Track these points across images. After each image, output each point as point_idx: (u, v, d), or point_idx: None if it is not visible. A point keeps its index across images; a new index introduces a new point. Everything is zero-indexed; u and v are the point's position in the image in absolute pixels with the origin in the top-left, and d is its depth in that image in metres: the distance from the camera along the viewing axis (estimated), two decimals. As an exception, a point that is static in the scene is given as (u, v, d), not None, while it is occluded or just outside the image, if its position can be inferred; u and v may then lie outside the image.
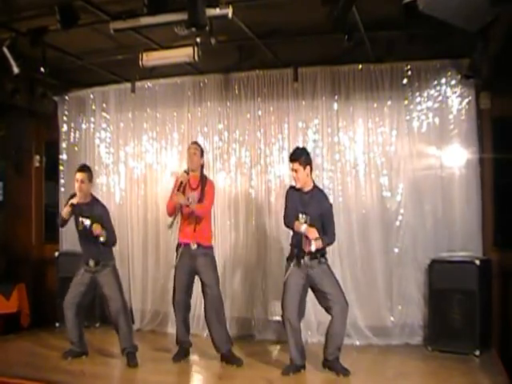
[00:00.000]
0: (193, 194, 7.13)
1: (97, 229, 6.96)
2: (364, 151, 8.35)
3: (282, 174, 8.63)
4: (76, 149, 9.87)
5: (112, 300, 7.14)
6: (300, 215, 6.49)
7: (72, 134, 9.90)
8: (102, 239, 7.01)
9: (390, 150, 8.24)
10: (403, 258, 8.09)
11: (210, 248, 7.32)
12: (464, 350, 7.28)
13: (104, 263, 7.19)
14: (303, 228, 6.42)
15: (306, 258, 6.55)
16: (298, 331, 6.67)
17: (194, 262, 7.12)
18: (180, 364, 7.12)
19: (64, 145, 9.91)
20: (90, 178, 7.33)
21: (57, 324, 9.04)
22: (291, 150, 6.91)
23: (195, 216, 7.08)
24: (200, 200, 7.10)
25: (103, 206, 7.41)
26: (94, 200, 7.36)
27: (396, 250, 8.12)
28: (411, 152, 8.17)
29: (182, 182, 7.08)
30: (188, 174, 7.15)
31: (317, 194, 6.72)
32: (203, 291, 7.17)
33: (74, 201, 7.08)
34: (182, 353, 7.27)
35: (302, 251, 6.52)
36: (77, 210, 7.14)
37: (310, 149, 8.12)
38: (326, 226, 6.60)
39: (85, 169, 7.37)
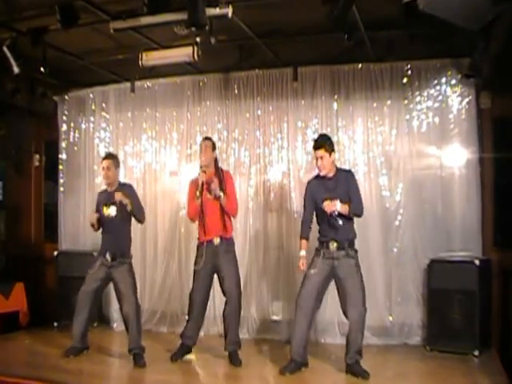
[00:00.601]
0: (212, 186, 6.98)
1: (118, 195, 7.02)
2: (363, 151, 8.34)
3: (281, 173, 8.62)
4: (76, 148, 9.86)
5: (126, 298, 7.11)
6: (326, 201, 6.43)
7: (72, 133, 9.89)
8: (128, 208, 7.05)
9: (389, 150, 8.24)
10: (402, 258, 8.08)
11: (232, 241, 7.26)
12: (463, 350, 7.27)
13: (121, 260, 7.17)
14: (338, 205, 6.34)
15: (332, 247, 6.48)
16: (308, 323, 6.60)
17: (216, 260, 7.05)
18: (178, 363, 7.09)
19: (64, 144, 9.90)
20: (117, 165, 7.37)
21: (55, 323, 9.06)
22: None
23: (217, 209, 7.05)
24: (222, 191, 7.01)
25: (130, 186, 7.47)
26: (121, 185, 7.38)
27: (395, 250, 8.11)
28: (411, 151, 8.16)
29: (203, 183, 6.96)
30: (205, 172, 7.00)
31: (341, 176, 6.64)
32: (223, 289, 7.14)
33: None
34: (182, 351, 7.21)
35: (327, 213, 6.43)
36: (102, 199, 7.21)
37: (309, 148, 8.17)
38: (351, 197, 6.50)
39: (110, 156, 7.43)
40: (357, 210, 6.53)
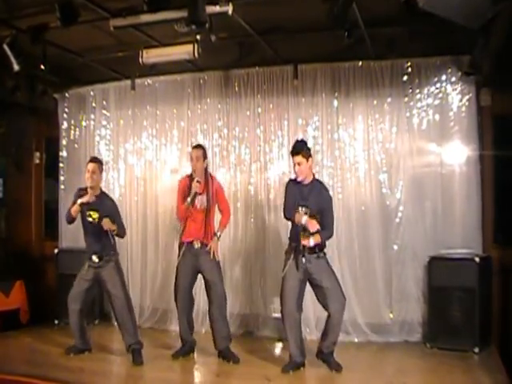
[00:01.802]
0: (199, 197, 7.15)
1: (106, 224, 7.02)
2: (364, 148, 8.34)
3: (282, 170, 8.62)
4: (76, 146, 9.86)
5: (115, 297, 7.14)
6: (300, 208, 6.44)
7: (72, 131, 9.89)
8: (114, 233, 7.11)
9: (389, 147, 8.24)
10: (402, 255, 8.08)
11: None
12: (463, 348, 7.28)
13: (107, 258, 7.18)
14: (304, 219, 6.37)
15: (305, 253, 6.50)
16: (297, 327, 6.67)
17: (197, 261, 7.15)
18: (178, 361, 7.11)
19: (64, 142, 9.91)
20: (101, 170, 7.37)
21: (56, 321, 9.07)
22: (292, 144, 6.88)
23: (202, 217, 7.16)
24: (208, 202, 7.16)
25: (112, 200, 7.49)
26: (103, 193, 7.40)
27: (395, 247, 8.12)
28: (411, 149, 8.16)
29: (196, 192, 7.07)
30: (199, 182, 7.06)
31: (316, 186, 6.68)
32: (207, 289, 7.21)
33: (84, 200, 7.06)
34: (184, 350, 7.26)
35: (301, 245, 6.47)
36: (85, 204, 7.15)
37: (309, 146, 8.14)
38: (324, 219, 6.51)
39: (96, 160, 7.43)
40: (329, 234, 6.60)
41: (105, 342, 7.99)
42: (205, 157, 7.28)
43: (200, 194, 7.13)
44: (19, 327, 8.88)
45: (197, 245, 7.14)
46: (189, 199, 7.05)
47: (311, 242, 6.40)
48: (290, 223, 6.77)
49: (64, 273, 9.13)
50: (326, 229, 6.52)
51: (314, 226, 6.38)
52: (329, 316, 6.57)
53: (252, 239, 8.72)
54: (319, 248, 6.58)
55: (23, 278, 9.21)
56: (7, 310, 8.80)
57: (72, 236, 9.64)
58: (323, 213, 6.52)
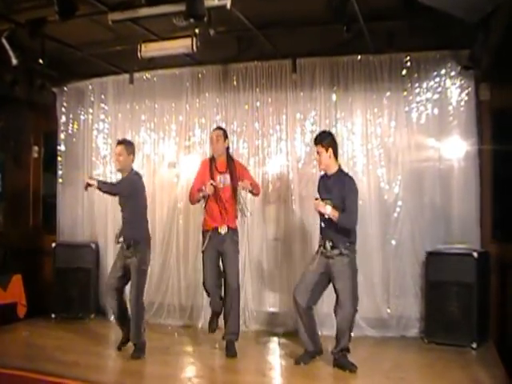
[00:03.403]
0: (221, 176, 7.22)
1: (87, 178, 7.05)
2: (362, 142, 8.32)
3: (280, 165, 8.61)
4: (74, 140, 9.86)
5: (131, 288, 7.08)
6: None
7: (70, 125, 9.88)
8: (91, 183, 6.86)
9: (388, 142, 8.22)
10: (400, 250, 8.07)
11: (237, 231, 7.40)
12: (461, 343, 7.28)
13: (135, 250, 7.07)
14: (328, 209, 6.34)
15: (328, 245, 6.49)
16: (307, 315, 6.66)
17: (221, 246, 7.16)
18: (174, 355, 7.13)
19: (62, 136, 9.89)
20: (130, 151, 7.27)
21: (53, 315, 9.09)
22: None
23: (226, 196, 7.20)
24: (232, 180, 7.21)
25: (135, 174, 7.34)
26: (131, 174, 7.31)
27: (393, 242, 8.11)
28: (410, 143, 8.14)
29: (208, 194, 7.10)
30: (214, 185, 7.09)
31: (340, 178, 6.61)
32: (225, 280, 7.22)
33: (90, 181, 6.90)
34: (214, 317, 7.35)
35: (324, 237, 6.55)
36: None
37: (307, 140, 8.19)
38: (345, 207, 6.41)
39: (122, 142, 7.37)
40: (344, 220, 6.40)
41: (100, 337, 8.02)
42: (225, 137, 7.36)
43: (221, 172, 7.23)
44: (16, 321, 8.89)
45: (223, 231, 7.18)
46: (201, 194, 7.16)
47: (328, 209, 6.34)
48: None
49: (62, 267, 9.16)
50: (346, 212, 6.40)
51: (335, 215, 6.34)
52: (336, 323, 6.58)
53: (250, 233, 8.68)
54: (343, 244, 6.48)
55: (21, 272, 9.20)
56: (4, 304, 8.79)
57: (70, 230, 9.66)
58: (345, 204, 6.43)
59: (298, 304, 6.61)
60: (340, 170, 6.68)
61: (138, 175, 7.31)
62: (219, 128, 7.58)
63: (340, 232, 6.43)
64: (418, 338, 7.78)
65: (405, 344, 7.63)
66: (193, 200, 7.35)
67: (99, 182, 6.94)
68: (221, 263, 7.25)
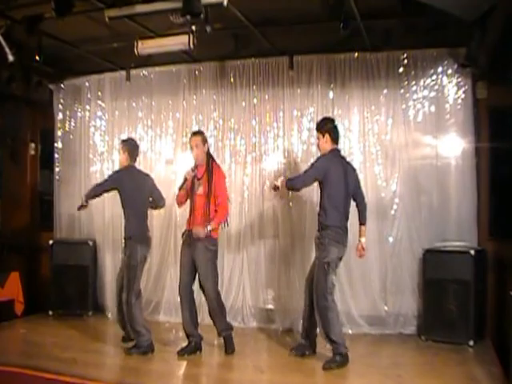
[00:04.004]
0: (197, 183, 7.04)
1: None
2: (359, 140, 8.34)
3: (277, 162, 8.62)
4: (71, 137, 9.85)
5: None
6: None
7: (67, 122, 9.88)
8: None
9: (385, 139, 8.24)
10: (398, 248, 8.09)
11: (216, 243, 7.08)
12: (458, 340, 7.30)
13: (126, 246, 7.22)
14: (279, 180, 6.75)
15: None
16: (304, 305, 6.84)
17: (194, 251, 6.93)
18: (173, 352, 7.03)
19: (59, 133, 9.90)
20: (124, 150, 7.39)
21: (50, 312, 9.10)
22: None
23: (202, 203, 6.96)
24: (209, 187, 6.93)
25: (119, 171, 7.50)
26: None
27: (391, 240, 8.12)
28: (407, 141, 8.15)
29: (186, 179, 7.00)
30: (194, 170, 6.97)
31: None
32: (202, 289, 7.04)
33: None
34: (190, 348, 7.03)
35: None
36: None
37: (304, 137, 8.23)
38: None
39: (122, 141, 7.60)
40: (288, 181, 6.74)
41: (98, 334, 8.03)
42: (204, 141, 7.13)
43: (199, 178, 7.02)
44: (14, 318, 8.88)
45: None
46: (181, 184, 7.08)
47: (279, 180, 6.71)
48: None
49: (59, 264, 9.15)
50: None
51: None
52: None
53: (247, 229, 8.72)
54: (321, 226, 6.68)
55: (18, 269, 9.19)
56: (2, 301, 8.78)
57: (67, 227, 9.67)
58: None
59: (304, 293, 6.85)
60: (329, 151, 6.79)
61: (122, 171, 7.39)
62: (196, 133, 7.33)
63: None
64: (415, 336, 7.81)
65: (402, 341, 7.65)
66: (178, 199, 7.22)
67: (85, 196, 7.24)
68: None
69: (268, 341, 7.83)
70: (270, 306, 8.57)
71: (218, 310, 6.99)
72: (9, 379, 6.13)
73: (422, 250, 7.78)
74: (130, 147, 7.40)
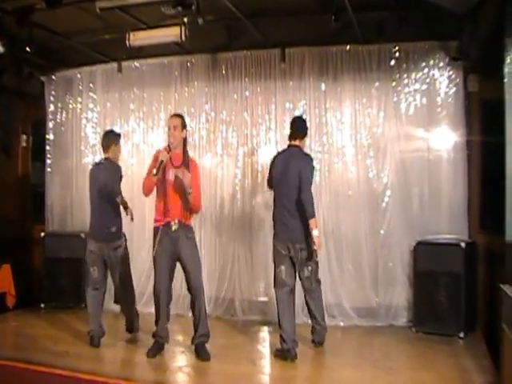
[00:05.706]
0: (175, 170, 6.47)
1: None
2: (351, 132, 8.35)
3: (269, 154, 8.60)
4: (63, 129, 9.81)
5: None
6: None
7: (59, 114, 9.83)
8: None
9: (377, 132, 8.25)
10: (389, 240, 8.12)
11: (192, 230, 6.71)
12: (449, 332, 7.33)
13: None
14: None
15: None
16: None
17: (176, 247, 6.49)
18: (166, 344, 6.95)
19: (51, 125, 9.85)
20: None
21: (42, 305, 9.09)
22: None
23: (179, 194, 6.45)
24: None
25: None
26: None
27: (382, 232, 8.15)
28: (398, 134, 8.17)
29: (162, 161, 6.31)
30: (169, 152, 6.39)
31: None
32: (189, 285, 6.63)
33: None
34: (158, 348, 6.69)
35: None
36: None
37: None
38: None
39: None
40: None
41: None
42: (183, 126, 6.61)
43: (176, 167, 6.49)
44: (5, 311, 8.86)
45: (175, 226, 6.45)
46: (154, 170, 6.30)
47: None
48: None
49: (51, 257, 9.13)
50: None
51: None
52: None
53: (238, 222, 8.73)
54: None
55: (9, 262, 9.17)
56: (-6, 294, 8.80)
57: (59, 220, 9.64)
58: None
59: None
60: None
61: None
62: (176, 115, 6.83)
63: None
64: (406, 327, 7.83)
65: (393, 333, 7.67)
66: (145, 186, 6.55)
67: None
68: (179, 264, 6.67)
69: (260, 333, 7.83)
70: (263, 299, 8.57)
71: (203, 304, 6.63)
72: (1, 372, 6.13)
73: (414, 242, 7.80)
74: (112, 139, 7.50)
